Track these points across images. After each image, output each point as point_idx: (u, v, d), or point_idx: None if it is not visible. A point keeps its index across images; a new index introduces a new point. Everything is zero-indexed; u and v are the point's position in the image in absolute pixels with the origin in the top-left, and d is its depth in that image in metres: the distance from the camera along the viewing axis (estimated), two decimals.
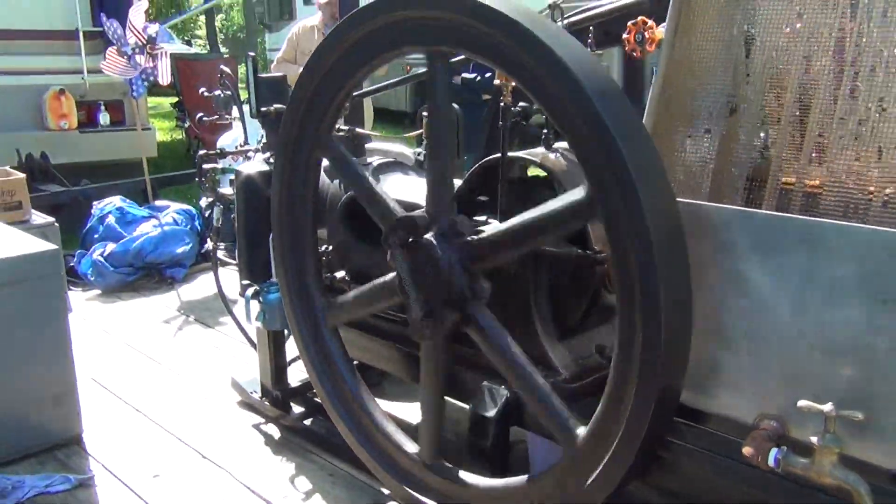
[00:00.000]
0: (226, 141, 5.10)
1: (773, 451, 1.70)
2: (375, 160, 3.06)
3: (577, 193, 1.79)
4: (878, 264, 1.58)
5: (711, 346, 1.85)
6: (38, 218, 4.64)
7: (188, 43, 28.30)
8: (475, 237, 2.07)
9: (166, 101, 14.32)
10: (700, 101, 1.95)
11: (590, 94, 1.68)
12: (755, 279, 1.76)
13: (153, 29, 4.99)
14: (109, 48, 5.06)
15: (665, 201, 1.73)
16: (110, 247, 4.84)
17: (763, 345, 1.77)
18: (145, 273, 4.95)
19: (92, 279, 4.82)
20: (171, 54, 5.11)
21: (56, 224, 4.54)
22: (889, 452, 1.63)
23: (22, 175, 4.58)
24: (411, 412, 2.93)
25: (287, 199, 2.58)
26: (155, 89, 7.65)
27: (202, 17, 28.80)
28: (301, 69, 2.42)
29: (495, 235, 2.03)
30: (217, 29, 29.17)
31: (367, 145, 3.17)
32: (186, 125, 9.83)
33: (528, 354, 2.06)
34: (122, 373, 3.72)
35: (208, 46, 28.33)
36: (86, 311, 4.59)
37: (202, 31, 31.30)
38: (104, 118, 7.65)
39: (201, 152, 3.41)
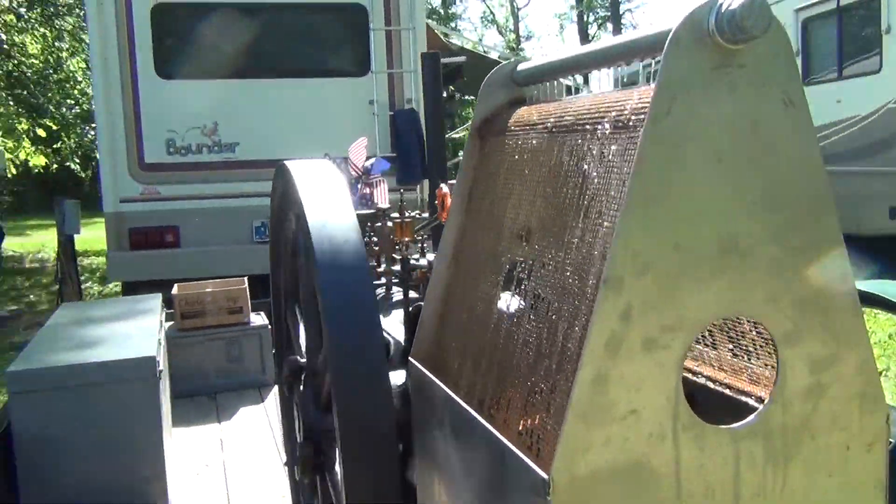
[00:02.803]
0: None
1: None
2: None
3: None
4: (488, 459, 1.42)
5: None
6: (258, 320, 5.56)
7: None
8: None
9: None
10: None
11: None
12: (451, 456, 1.65)
13: (368, 162, 5.73)
14: None
15: (368, 378, 1.71)
16: None
17: None
18: None
19: None
20: None
21: (269, 326, 5.39)
22: None
23: (244, 285, 5.55)
24: None
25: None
26: None
27: None
28: None
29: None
30: None
31: None
32: None
33: None
34: None
35: None
36: None
37: None
38: None
39: None
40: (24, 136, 17.14)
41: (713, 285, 1.24)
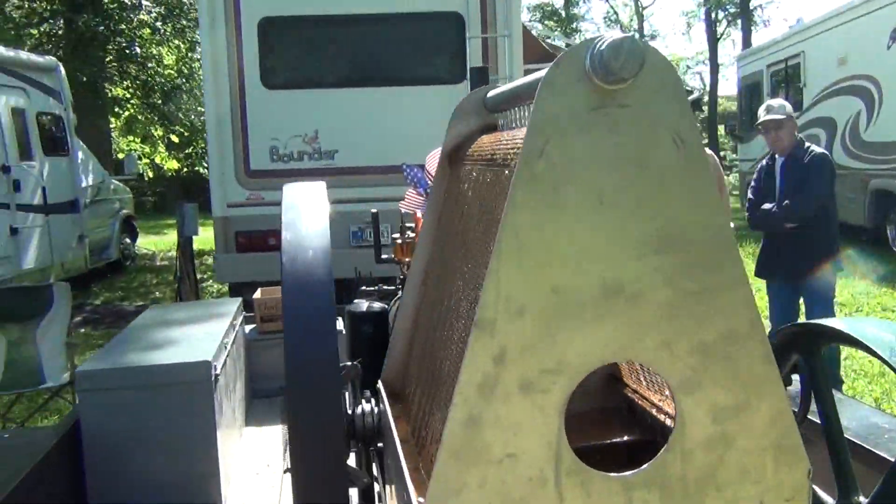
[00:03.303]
0: None
1: None
2: None
3: None
4: (400, 491, 1.43)
5: None
6: None
7: None
8: None
9: None
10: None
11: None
12: (391, 482, 1.67)
13: None
14: (409, 190, 6.00)
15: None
16: None
17: None
18: None
19: None
20: None
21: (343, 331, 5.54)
22: None
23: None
24: None
25: None
26: None
27: None
28: None
29: None
30: None
31: None
32: None
33: None
34: None
35: None
36: None
37: None
38: None
39: None
40: (159, 141, 18.33)
41: (597, 329, 1.21)
